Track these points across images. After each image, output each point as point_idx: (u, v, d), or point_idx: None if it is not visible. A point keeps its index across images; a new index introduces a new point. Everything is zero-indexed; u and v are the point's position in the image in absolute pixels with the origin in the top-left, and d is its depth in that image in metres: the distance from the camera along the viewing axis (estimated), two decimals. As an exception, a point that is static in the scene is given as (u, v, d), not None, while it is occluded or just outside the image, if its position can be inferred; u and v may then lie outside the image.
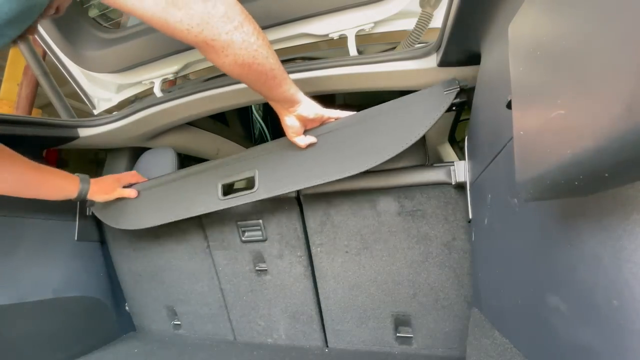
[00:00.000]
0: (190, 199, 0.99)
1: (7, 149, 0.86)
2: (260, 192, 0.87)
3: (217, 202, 0.93)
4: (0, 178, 0.85)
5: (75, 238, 1.19)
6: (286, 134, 0.85)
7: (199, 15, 0.57)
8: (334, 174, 0.80)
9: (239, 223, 1.05)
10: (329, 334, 1.05)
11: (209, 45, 0.61)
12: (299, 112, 0.80)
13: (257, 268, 1.08)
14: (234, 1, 0.60)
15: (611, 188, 0.25)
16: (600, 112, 0.21)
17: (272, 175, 0.88)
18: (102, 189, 1.03)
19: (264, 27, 0.95)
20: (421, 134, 0.75)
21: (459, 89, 0.77)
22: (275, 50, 0.71)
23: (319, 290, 1.02)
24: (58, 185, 0.95)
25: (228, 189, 0.95)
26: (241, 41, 0.62)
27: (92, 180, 1.02)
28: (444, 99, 0.77)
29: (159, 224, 1.02)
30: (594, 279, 0.28)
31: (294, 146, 0.87)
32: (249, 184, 0.92)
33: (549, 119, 0.27)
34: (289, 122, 0.81)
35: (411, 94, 0.83)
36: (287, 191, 0.86)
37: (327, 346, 1.06)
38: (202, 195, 0.96)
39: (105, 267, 1.29)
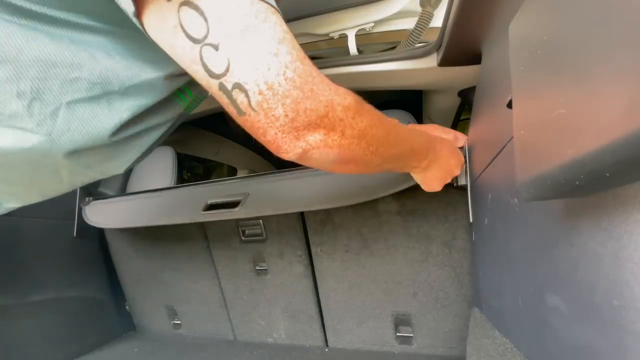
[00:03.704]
0: (177, 209, 1.00)
1: None
2: (241, 212, 0.87)
3: (197, 215, 0.93)
4: None
5: (75, 234, 1.18)
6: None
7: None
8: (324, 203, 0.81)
9: (239, 222, 1.05)
10: (329, 333, 1.05)
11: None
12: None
13: (257, 267, 1.08)
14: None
15: (612, 188, 0.25)
16: (601, 111, 0.21)
17: (258, 198, 0.88)
18: None
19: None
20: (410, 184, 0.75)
21: (455, 184, 0.75)
22: None
23: (319, 290, 1.02)
24: None
25: (211, 206, 0.95)
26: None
27: None
28: None
29: (142, 225, 1.02)
30: (594, 279, 0.28)
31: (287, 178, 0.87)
32: (235, 203, 0.91)
33: (549, 118, 0.27)
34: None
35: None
36: (269, 213, 0.86)
37: (327, 345, 1.06)
38: (188, 208, 0.97)
39: (105, 267, 1.29)
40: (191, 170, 1.64)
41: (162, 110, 0.55)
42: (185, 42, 0.37)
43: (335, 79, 1.02)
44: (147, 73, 0.47)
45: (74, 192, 1.18)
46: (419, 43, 0.97)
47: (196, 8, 0.35)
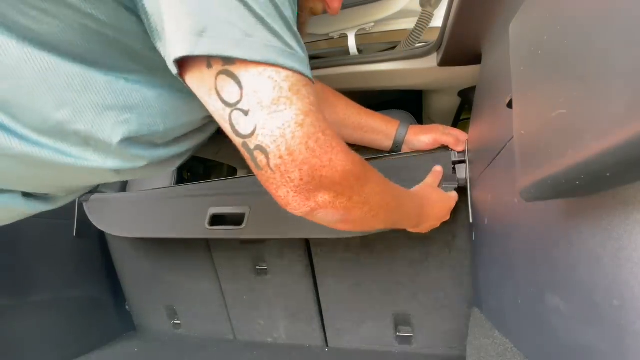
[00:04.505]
0: (180, 220, 0.99)
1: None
2: (247, 231, 0.88)
3: (204, 231, 0.94)
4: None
5: (74, 234, 1.18)
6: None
7: None
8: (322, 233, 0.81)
9: None
10: (329, 333, 1.05)
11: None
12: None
13: (257, 267, 1.08)
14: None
15: (612, 188, 0.25)
16: (601, 111, 0.20)
17: (262, 215, 0.89)
18: (423, 131, 0.86)
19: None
20: None
21: (456, 186, 0.76)
22: None
23: (319, 290, 1.02)
24: (377, 129, 0.85)
25: (216, 219, 0.95)
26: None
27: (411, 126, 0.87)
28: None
29: (147, 236, 1.03)
30: (594, 279, 0.28)
31: None
32: (239, 218, 0.91)
33: (550, 118, 0.27)
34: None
35: (416, 161, 0.81)
36: (273, 237, 0.85)
37: (327, 345, 1.06)
38: (192, 220, 0.97)
39: (105, 267, 1.29)
40: (191, 170, 1.64)
41: (198, 135, 0.60)
42: (217, 103, 0.40)
43: (335, 79, 1.03)
44: (190, 115, 0.52)
45: (74, 192, 1.18)
46: (419, 43, 0.97)
47: (234, 77, 0.38)
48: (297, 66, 0.39)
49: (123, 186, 1.29)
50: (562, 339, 0.34)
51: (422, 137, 0.82)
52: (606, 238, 0.26)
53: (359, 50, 1.02)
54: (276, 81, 0.38)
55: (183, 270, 1.18)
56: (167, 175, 1.19)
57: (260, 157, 0.40)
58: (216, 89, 0.39)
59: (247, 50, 0.36)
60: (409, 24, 1.04)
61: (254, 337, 1.15)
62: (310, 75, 0.41)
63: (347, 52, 1.02)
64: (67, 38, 0.41)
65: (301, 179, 0.41)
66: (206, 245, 1.13)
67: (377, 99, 1.30)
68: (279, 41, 0.38)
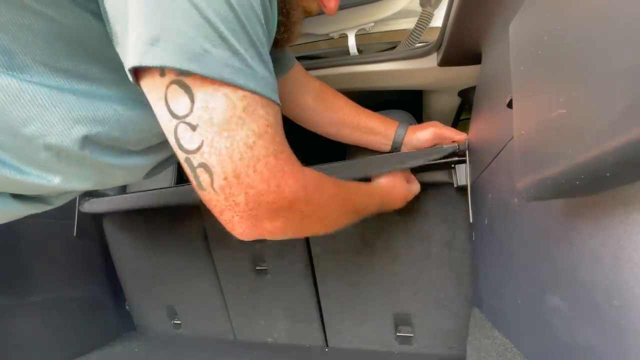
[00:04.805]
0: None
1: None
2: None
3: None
4: (329, 120, 0.82)
5: (74, 234, 1.18)
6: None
7: None
8: None
9: None
10: (329, 333, 1.05)
11: None
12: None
13: (257, 267, 1.08)
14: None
15: (612, 188, 0.25)
16: (601, 111, 0.20)
17: None
18: (421, 127, 0.85)
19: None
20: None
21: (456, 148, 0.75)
22: None
23: (319, 290, 1.02)
24: (376, 129, 0.85)
25: None
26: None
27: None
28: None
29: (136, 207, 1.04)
30: (594, 279, 0.28)
31: None
32: None
33: (550, 118, 0.27)
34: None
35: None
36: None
37: (327, 345, 1.06)
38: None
39: (105, 267, 1.29)
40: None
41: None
42: (165, 113, 0.38)
43: (335, 79, 1.03)
44: (151, 129, 0.51)
45: (74, 192, 1.18)
46: (419, 43, 0.97)
47: (186, 89, 0.36)
48: (255, 87, 0.38)
49: (122, 189, 1.29)
50: (562, 339, 0.34)
51: (420, 134, 0.81)
52: (606, 238, 0.26)
53: (359, 50, 1.02)
54: (231, 99, 0.37)
55: (183, 270, 1.18)
56: (166, 175, 1.20)
57: (204, 176, 0.38)
58: (165, 98, 0.37)
59: (204, 66, 0.35)
60: (409, 24, 1.04)
61: (254, 337, 1.15)
62: (271, 96, 0.40)
63: (347, 52, 1.02)
64: (45, 54, 0.40)
65: (247, 204, 0.39)
66: (206, 245, 1.13)
67: (377, 99, 1.30)
68: (239, 60, 0.37)
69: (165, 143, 0.55)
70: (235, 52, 0.37)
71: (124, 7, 0.36)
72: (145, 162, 0.56)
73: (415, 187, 0.80)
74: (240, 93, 0.37)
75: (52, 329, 1.09)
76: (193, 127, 0.37)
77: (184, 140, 0.38)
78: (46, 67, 0.41)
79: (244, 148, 0.37)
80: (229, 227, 0.42)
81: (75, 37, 0.42)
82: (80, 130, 0.44)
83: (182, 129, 0.37)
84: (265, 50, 0.40)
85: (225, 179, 0.38)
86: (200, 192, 0.40)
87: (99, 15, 0.41)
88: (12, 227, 1.06)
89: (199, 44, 0.35)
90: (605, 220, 0.26)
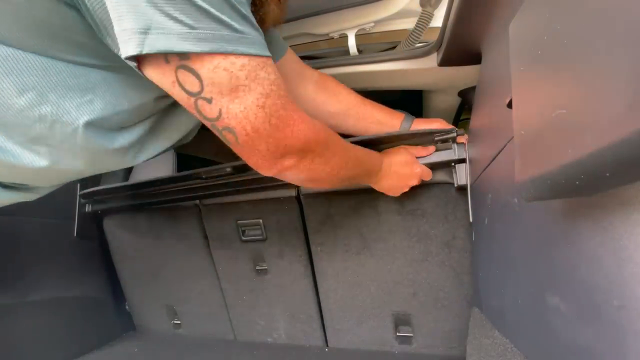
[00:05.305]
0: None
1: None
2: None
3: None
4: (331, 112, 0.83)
5: (75, 234, 1.18)
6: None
7: None
8: None
9: (239, 222, 1.05)
10: (329, 333, 1.05)
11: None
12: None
13: (257, 267, 1.08)
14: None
15: (612, 188, 0.25)
16: (601, 111, 0.20)
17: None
18: (427, 121, 0.87)
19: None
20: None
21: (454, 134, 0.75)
22: None
23: (319, 290, 1.02)
24: (382, 120, 0.86)
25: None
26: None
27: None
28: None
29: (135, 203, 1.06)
30: (594, 279, 0.28)
31: None
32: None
33: (549, 118, 0.27)
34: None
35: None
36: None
37: (327, 345, 1.06)
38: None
39: (105, 267, 1.29)
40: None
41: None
42: (182, 93, 0.43)
43: (336, 79, 1.02)
44: (143, 96, 0.54)
45: (74, 192, 1.18)
46: (419, 43, 0.97)
47: (191, 71, 0.41)
48: (250, 49, 0.41)
49: (126, 175, 1.29)
50: (562, 339, 0.34)
51: (426, 127, 0.82)
52: (606, 238, 0.26)
53: (359, 50, 1.02)
54: (232, 72, 0.41)
55: (183, 270, 1.18)
56: (167, 167, 1.19)
57: (229, 136, 0.45)
58: (178, 81, 0.42)
59: (194, 42, 0.38)
60: (409, 24, 1.04)
61: (254, 337, 1.15)
62: (267, 54, 0.43)
63: (347, 52, 1.02)
64: (17, 33, 0.42)
65: (268, 150, 0.47)
66: (206, 245, 1.13)
67: (377, 99, 1.30)
68: (227, 28, 0.40)
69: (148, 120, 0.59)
70: (220, 22, 0.39)
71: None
72: (133, 137, 0.58)
73: (424, 171, 0.78)
74: (239, 63, 0.41)
75: (52, 329, 1.09)
76: (209, 100, 0.42)
77: (205, 112, 0.43)
78: (29, 40, 0.43)
79: (256, 109, 0.43)
80: (255, 166, 0.50)
81: (57, 30, 0.43)
82: (73, 99, 0.47)
83: (201, 104, 0.43)
84: (246, 7, 0.43)
85: (247, 135, 0.44)
86: (230, 146, 0.47)
87: (73, 6, 0.42)
88: (12, 227, 1.06)
89: (183, 23, 0.38)
90: (605, 220, 0.26)
